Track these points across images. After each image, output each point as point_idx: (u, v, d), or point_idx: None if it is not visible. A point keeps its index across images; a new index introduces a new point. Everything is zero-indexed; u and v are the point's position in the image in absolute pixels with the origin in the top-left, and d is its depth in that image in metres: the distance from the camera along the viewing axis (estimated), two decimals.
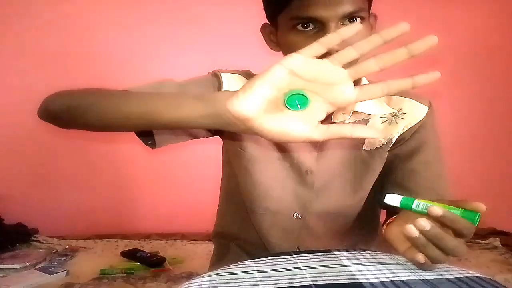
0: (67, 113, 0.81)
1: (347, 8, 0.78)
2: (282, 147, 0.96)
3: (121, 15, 2.17)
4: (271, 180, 0.97)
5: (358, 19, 0.80)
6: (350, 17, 0.79)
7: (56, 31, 2.16)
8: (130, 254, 1.88)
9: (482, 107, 2.27)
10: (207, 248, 1.90)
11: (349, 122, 0.95)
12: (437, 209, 0.60)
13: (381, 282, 0.58)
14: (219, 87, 0.93)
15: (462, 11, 2.22)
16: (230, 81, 0.94)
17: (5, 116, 2.18)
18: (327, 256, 0.70)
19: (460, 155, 2.21)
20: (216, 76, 0.95)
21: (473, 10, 2.23)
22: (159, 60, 2.19)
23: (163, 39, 2.18)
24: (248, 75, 0.98)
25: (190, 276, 1.67)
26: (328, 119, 0.93)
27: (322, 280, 0.60)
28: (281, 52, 0.90)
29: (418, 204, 0.64)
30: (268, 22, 0.92)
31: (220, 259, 1.11)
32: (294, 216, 0.98)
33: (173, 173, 2.24)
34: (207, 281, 0.64)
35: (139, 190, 2.25)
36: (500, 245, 1.97)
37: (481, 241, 2.02)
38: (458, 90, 2.26)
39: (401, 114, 0.96)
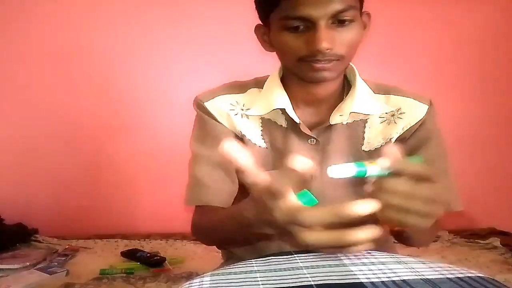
0: (212, 244, 1.08)
1: (336, 6, 0.79)
2: (283, 157, 0.96)
3: (120, 15, 2.17)
4: None
5: (349, 18, 0.81)
6: (340, 16, 0.80)
7: (55, 31, 2.16)
8: (130, 254, 1.87)
9: (482, 107, 2.27)
10: (207, 248, 1.90)
11: (347, 124, 0.95)
12: (386, 161, 0.61)
13: (382, 282, 0.58)
14: (213, 117, 0.98)
15: (462, 11, 2.22)
16: (216, 106, 0.98)
17: (4, 117, 2.18)
18: (328, 255, 0.70)
19: (460, 155, 2.20)
20: (203, 109, 0.99)
21: (474, 10, 2.23)
22: (159, 59, 2.19)
23: (163, 38, 2.18)
24: (232, 87, 1.00)
25: (190, 276, 1.66)
26: (325, 121, 0.93)
27: (323, 279, 0.60)
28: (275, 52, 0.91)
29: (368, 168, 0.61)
30: (261, 23, 0.92)
31: (229, 257, 1.11)
32: None
33: (173, 173, 2.23)
34: (207, 281, 0.64)
35: (139, 190, 2.24)
36: (500, 245, 1.97)
37: (481, 241, 2.02)
38: (459, 89, 2.26)
39: (400, 113, 0.95)
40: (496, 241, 2.00)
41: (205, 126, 0.99)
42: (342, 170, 0.61)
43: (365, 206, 0.56)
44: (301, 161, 0.59)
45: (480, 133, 2.27)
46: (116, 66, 2.19)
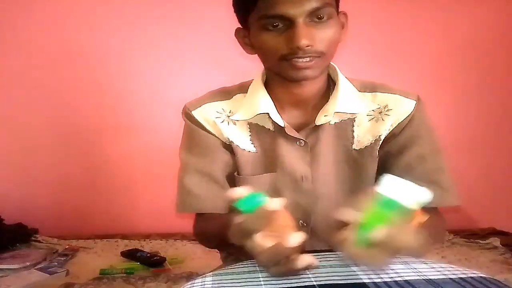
0: (215, 248, 1.16)
1: (313, 4, 0.80)
2: (274, 160, 0.96)
3: (119, 14, 2.17)
4: (268, 194, 0.97)
5: (326, 15, 0.82)
6: (318, 13, 0.81)
7: (54, 32, 2.16)
8: (130, 254, 1.88)
9: (482, 107, 2.27)
10: (207, 248, 1.90)
11: (335, 123, 0.95)
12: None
13: (385, 282, 0.58)
14: (201, 126, 0.98)
15: (459, 12, 2.22)
16: (203, 114, 0.99)
17: (5, 117, 2.18)
18: (330, 256, 0.70)
19: (460, 155, 2.21)
20: (190, 118, 1.00)
21: (471, 11, 2.23)
22: (159, 60, 2.19)
23: (161, 38, 2.18)
24: (218, 94, 1.01)
25: (190, 276, 1.67)
26: (310, 123, 0.93)
27: (326, 280, 0.60)
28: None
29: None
30: (240, 26, 0.93)
31: (227, 257, 1.11)
32: (300, 224, 0.98)
33: (173, 173, 2.23)
34: (210, 281, 0.64)
35: (139, 190, 2.24)
36: (500, 245, 1.96)
37: (481, 241, 2.02)
38: (458, 90, 2.26)
39: (387, 110, 0.95)
40: (496, 241, 2.00)
41: (193, 135, 0.99)
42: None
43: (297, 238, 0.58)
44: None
45: (480, 133, 2.27)
46: (116, 67, 2.19)
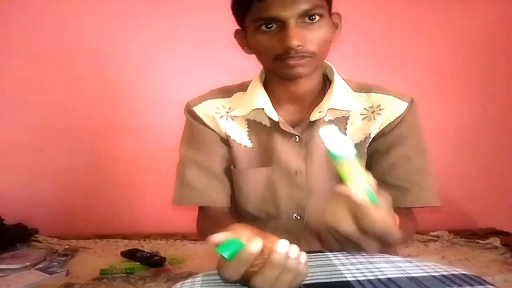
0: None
1: (303, 6, 0.84)
2: (269, 155, 1.00)
3: (123, 15, 2.18)
4: (263, 188, 1.01)
5: (317, 17, 0.86)
6: (309, 15, 0.86)
7: (57, 32, 2.17)
8: (130, 254, 1.88)
9: (482, 107, 2.27)
10: (207, 248, 1.90)
11: (329, 120, 0.98)
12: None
13: (368, 280, 0.59)
14: (201, 121, 1.03)
15: (460, 13, 2.22)
16: (204, 110, 1.04)
17: (5, 116, 2.20)
18: (318, 256, 0.70)
19: (460, 155, 2.20)
20: (192, 114, 1.05)
21: (472, 12, 2.23)
22: (161, 59, 2.21)
23: (163, 38, 2.19)
24: (219, 92, 1.06)
25: (190, 276, 1.66)
26: (306, 119, 0.97)
27: (311, 279, 0.61)
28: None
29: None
30: (239, 28, 0.98)
31: None
32: (294, 217, 1.01)
33: (174, 173, 2.24)
34: (199, 280, 0.65)
35: (139, 190, 2.25)
36: (500, 245, 1.96)
37: (481, 241, 2.01)
38: (458, 90, 2.26)
39: (379, 110, 0.98)
40: (496, 241, 1.99)
41: (193, 130, 1.05)
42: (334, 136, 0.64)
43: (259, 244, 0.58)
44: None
45: (480, 134, 2.27)
46: (119, 67, 2.20)
